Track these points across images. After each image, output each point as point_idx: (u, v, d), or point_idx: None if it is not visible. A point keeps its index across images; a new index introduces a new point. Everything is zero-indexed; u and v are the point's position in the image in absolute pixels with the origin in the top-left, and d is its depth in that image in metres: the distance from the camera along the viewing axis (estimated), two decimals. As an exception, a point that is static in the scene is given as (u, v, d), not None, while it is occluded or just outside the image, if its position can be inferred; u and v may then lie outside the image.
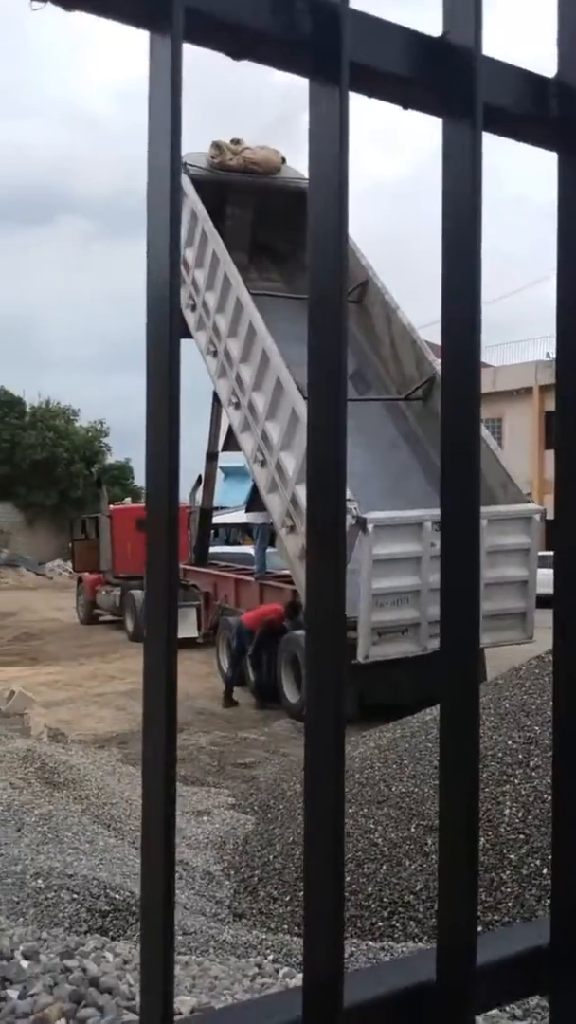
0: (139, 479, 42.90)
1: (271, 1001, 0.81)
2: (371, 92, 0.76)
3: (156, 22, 0.64)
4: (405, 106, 0.79)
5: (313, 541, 0.75)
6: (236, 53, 0.71)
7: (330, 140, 0.71)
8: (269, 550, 14.76)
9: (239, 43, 0.70)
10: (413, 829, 5.36)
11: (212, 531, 19.99)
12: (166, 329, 0.70)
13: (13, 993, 1.79)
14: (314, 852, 0.76)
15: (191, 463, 18.18)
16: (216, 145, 14.64)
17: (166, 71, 0.63)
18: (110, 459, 43.02)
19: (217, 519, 20.54)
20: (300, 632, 11.91)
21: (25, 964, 1.92)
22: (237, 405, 13.38)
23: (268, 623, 12.74)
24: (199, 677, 13.68)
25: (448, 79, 0.76)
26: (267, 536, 14.61)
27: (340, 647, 0.76)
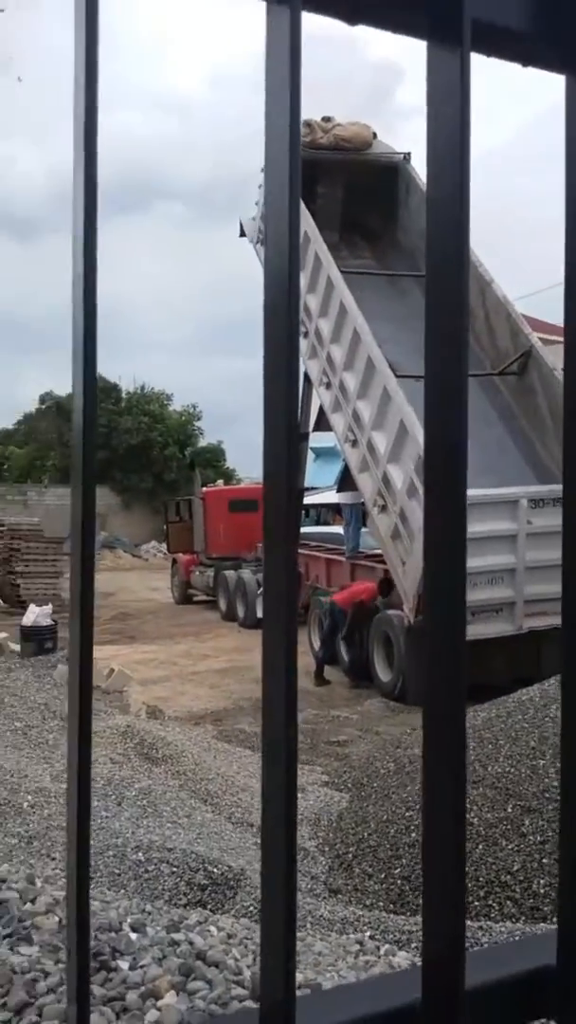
0: (231, 461, 43.29)
1: (390, 980, 0.80)
2: (491, 51, 0.73)
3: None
4: (525, 64, 0.76)
5: (433, 521, 0.73)
6: (351, 17, 0.69)
7: (451, 105, 0.68)
8: (363, 530, 14.72)
9: (355, 6, 0.68)
10: (510, 810, 5.29)
11: (303, 511, 20.04)
12: (284, 307, 0.68)
13: (124, 964, 1.83)
14: (434, 832, 0.75)
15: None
16: (307, 123, 14.53)
17: (285, 40, 0.62)
18: (202, 442, 43.52)
19: (308, 499, 20.56)
20: (392, 611, 11.86)
21: (134, 936, 1.96)
22: (328, 385, 13.34)
23: (360, 603, 12.73)
24: (292, 656, 13.76)
25: (571, 32, 0.72)
26: (360, 516, 14.58)
27: (461, 628, 0.74)
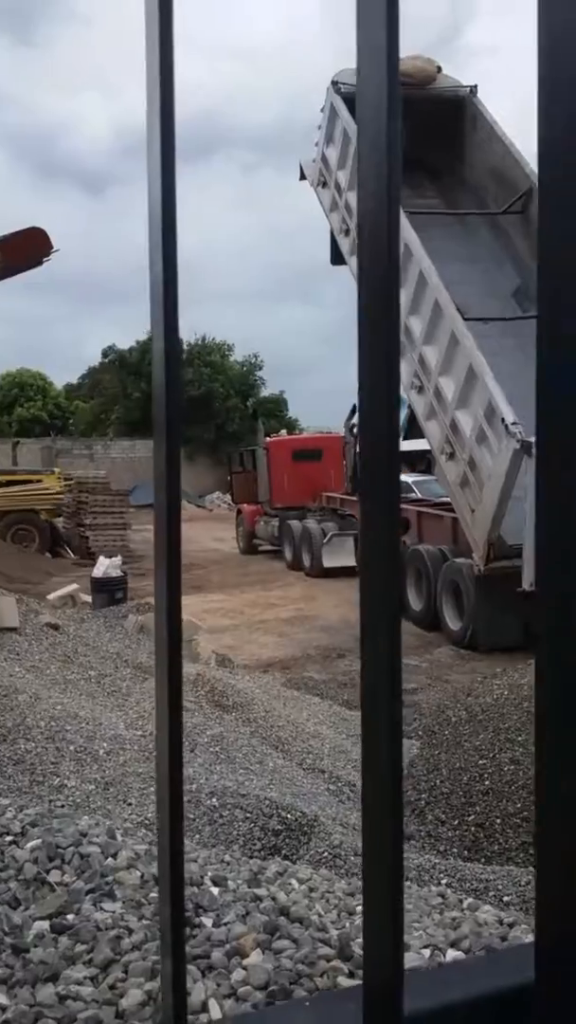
0: (293, 411, 43.14)
1: (504, 957, 0.75)
2: None
3: None
4: None
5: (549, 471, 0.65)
6: None
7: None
8: (427, 477, 14.58)
9: None
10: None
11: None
12: (385, 254, 0.61)
13: (207, 921, 1.83)
14: (552, 796, 0.68)
15: (349, 393, 18.13)
16: (365, 58, 14.05)
17: None
18: (264, 392, 43.43)
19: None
20: (461, 560, 11.73)
21: (215, 891, 1.96)
22: (393, 330, 13.09)
23: None
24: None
25: None
26: None
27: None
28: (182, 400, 0.66)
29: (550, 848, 0.69)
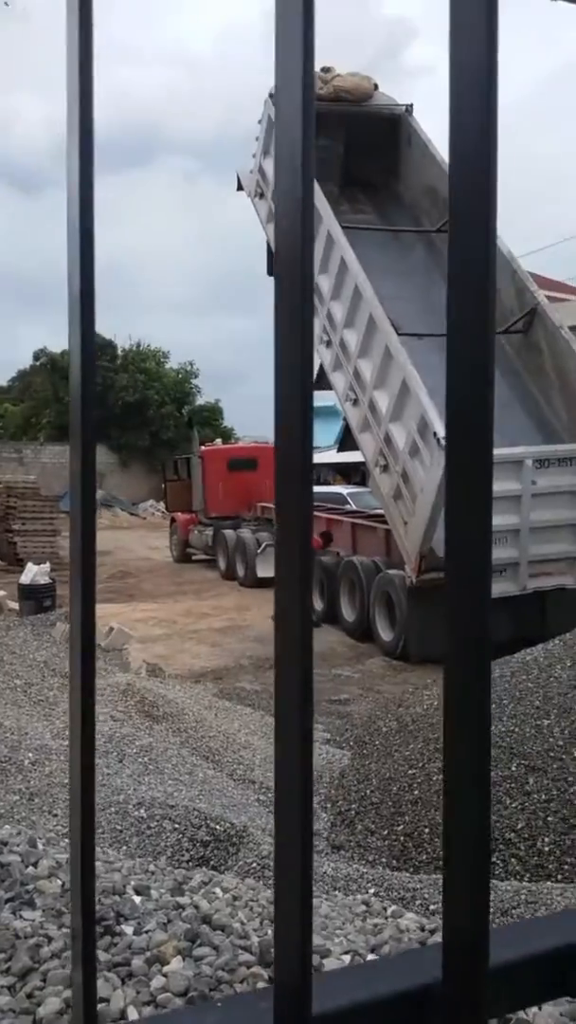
0: (229, 420, 43.09)
1: (413, 957, 0.76)
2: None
3: None
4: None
5: (456, 486, 0.67)
6: None
7: (477, 31, 0.61)
8: (362, 489, 14.71)
9: None
10: (514, 768, 5.31)
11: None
12: (299, 269, 0.62)
13: (128, 929, 1.82)
14: (458, 800, 0.70)
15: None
16: (305, 73, 14.17)
17: None
18: (200, 400, 43.25)
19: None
20: (394, 571, 11.86)
21: (138, 899, 1.95)
22: (328, 343, 13.19)
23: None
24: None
25: None
26: None
27: (485, 598, 0.68)
28: (96, 405, 0.67)
29: (457, 851, 0.71)
